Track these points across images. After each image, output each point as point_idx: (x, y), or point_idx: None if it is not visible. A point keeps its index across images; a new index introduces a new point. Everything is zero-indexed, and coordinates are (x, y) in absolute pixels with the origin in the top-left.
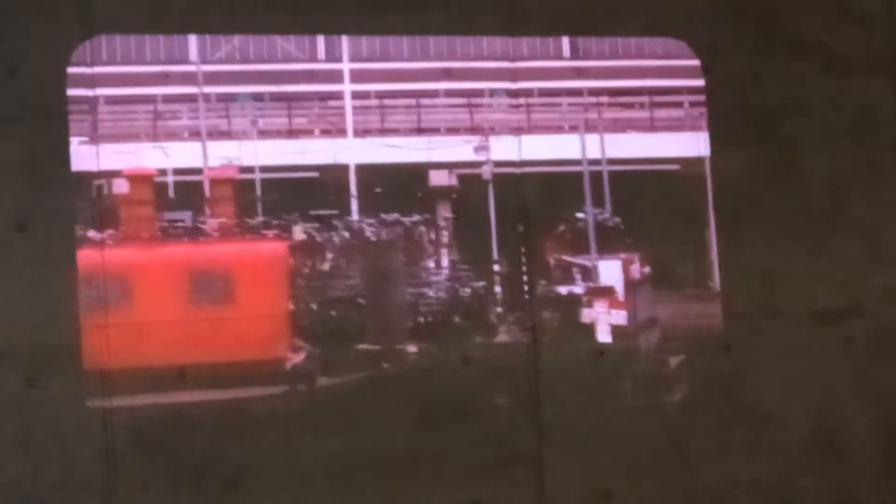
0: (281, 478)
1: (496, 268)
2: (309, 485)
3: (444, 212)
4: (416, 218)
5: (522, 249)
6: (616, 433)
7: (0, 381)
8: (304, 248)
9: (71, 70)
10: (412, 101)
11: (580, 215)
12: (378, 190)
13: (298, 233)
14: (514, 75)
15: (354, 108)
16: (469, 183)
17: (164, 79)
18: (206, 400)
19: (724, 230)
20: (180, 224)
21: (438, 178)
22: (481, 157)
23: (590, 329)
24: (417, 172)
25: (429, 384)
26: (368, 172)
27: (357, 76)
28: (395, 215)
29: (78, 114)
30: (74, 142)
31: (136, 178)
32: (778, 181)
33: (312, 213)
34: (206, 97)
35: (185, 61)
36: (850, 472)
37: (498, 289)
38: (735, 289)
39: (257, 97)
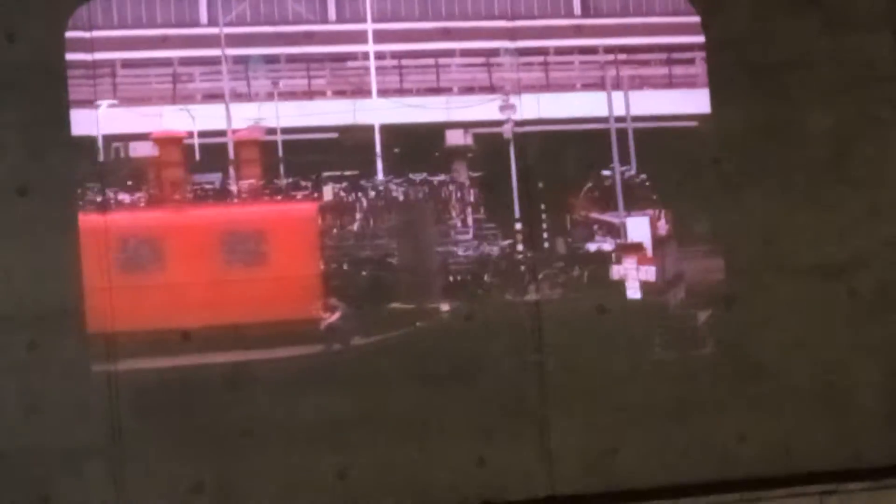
0: (310, 434)
1: (518, 226)
2: (336, 441)
3: (460, 171)
4: (442, 178)
5: (542, 206)
6: (625, 389)
7: (4, 344)
8: (334, 209)
9: (70, 35)
10: (429, 62)
11: (606, 173)
12: (396, 150)
13: (328, 193)
14: (512, 34)
15: (363, 68)
16: (485, 143)
17: (163, 42)
18: (242, 360)
19: (726, 186)
20: (210, 186)
21: (454, 138)
22: (505, 117)
23: (620, 285)
24: (436, 132)
25: (463, 342)
26: (385, 133)
27: (365, 37)
28: (424, 175)
29: (98, 77)
30: (103, 105)
31: (166, 141)
32: (779, 137)
33: (334, 174)
34: (218, 60)
35: (195, 24)
36: (854, 423)
37: (520, 247)
38: (737, 244)
39: (271, 59)
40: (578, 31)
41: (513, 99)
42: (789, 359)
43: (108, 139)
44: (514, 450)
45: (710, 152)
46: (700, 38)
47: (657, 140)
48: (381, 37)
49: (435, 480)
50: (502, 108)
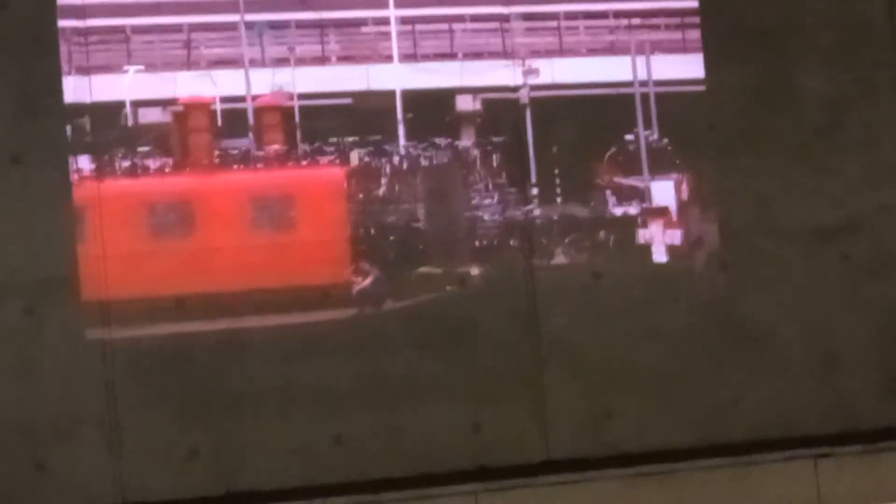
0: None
1: (534, 191)
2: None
3: (471, 136)
4: (465, 142)
5: (564, 171)
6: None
7: None
8: (360, 174)
9: (61, 1)
10: (443, 27)
11: (629, 137)
12: (409, 115)
13: (354, 159)
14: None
15: (381, 33)
16: (502, 108)
17: (156, 9)
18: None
19: (720, 150)
20: (236, 151)
21: (464, 104)
22: (529, 81)
23: (646, 249)
24: (447, 97)
25: (494, 305)
26: (395, 99)
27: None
28: (448, 140)
29: (113, 43)
30: (131, 70)
31: (193, 107)
32: (773, 101)
33: (357, 139)
34: (228, 26)
35: None
36: (848, 388)
37: (538, 212)
38: (731, 208)
39: (277, 25)
40: None
41: (533, 63)
42: (783, 323)
43: (114, 106)
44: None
45: (706, 117)
46: (680, 3)
47: (671, 105)
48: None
49: None
50: (526, 73)
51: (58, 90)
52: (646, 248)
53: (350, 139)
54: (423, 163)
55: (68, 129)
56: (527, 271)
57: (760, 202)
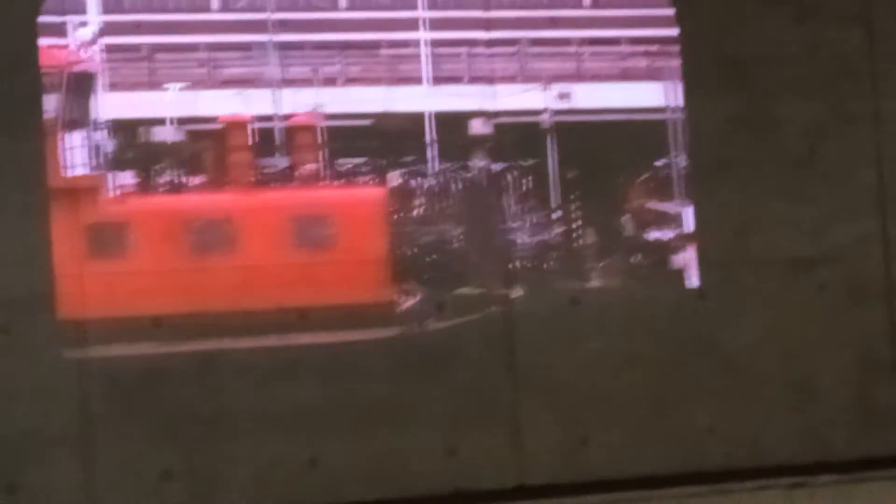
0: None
1: (556, 215)
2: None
3: (481, 160)
4: (498, 165)
5: (572, 196)
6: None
7: None
8: (398, 194)
9: (42, 19)
10: (466, 50)
11: (660, 163)
12: (437, 137)
13: (393, 179)
14: (487, 25)
15: (402, 56)
16: (527, 132)
17: (136, 28)
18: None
19: (699, 179)
20: (273, 170)
21: (476, 127)
22: (563, 105)
23: (679, 274)
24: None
25: (540, 326)
26: (412, 121)
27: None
28: (483, 163)
29: (138, 62)
30: (175, 87)
31: (233, 125)
32: (752, 130)
33: (395, 160)
34: (229, 45)
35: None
36: (823, 417)
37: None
38: (710, 236)
39: (286, 46)
40: (553, 24)
41: (564, 87)
42: (759, 351)
43: (128, 124)
44: None
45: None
46: (661, 32)
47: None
48: (410, 25)
49: None
50: (561, 97)
51: (37, 107)
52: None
53: (384, 160)
54: (456, 184)
55: (70, 141)
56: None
57: (739, 231)
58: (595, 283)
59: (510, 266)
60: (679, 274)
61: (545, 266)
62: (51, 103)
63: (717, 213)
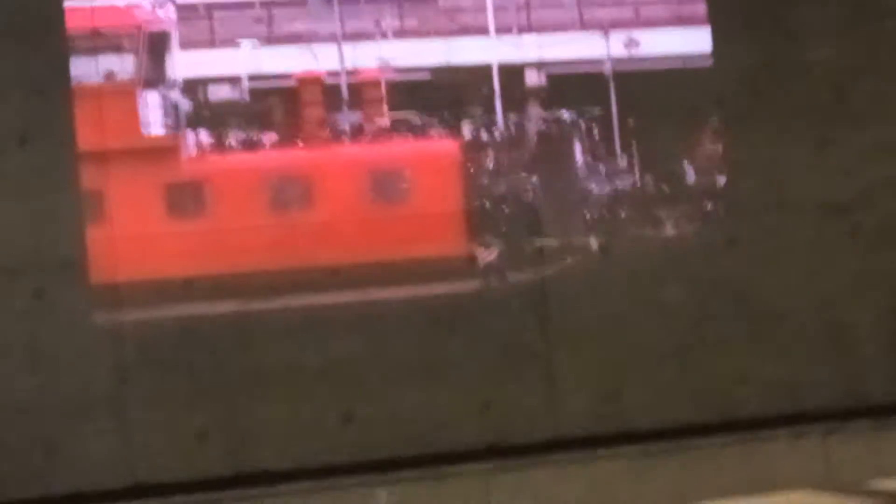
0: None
1: (624, 163)
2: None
3: (537, 111)
4: (566, 115)
5: (639, 144)
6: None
7: (8, 295)
8: (471, 147)
9: None
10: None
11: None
12: (485, 90)
13: (464, 132)
14: None
15: (457, 7)
16: (595, 81)
17: None
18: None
19: (729, 124)
20: (345, 125)
21: (531, 78)
22: (630, 53)
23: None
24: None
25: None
26: (469, 74)
27: None
28: (559, 113)
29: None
30: (247, 45)
31: (306, 81)
32: (782, 74)
33: (464, 112)
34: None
35: None
36: (858, 363)
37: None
38: (740, 182)
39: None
40: None
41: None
42: (792, 298)
43: (200, 82)
44: None
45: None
46: None
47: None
48: None
49: None
50: (627, 45)
51: (65, 70)
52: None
53: (450, 113)
54: (525, 136)
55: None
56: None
57: (769, 176)
58: (670, 230)
59: (587, 216)
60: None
61: (622, 215)
62: (129, 64)
63: (746, 158)
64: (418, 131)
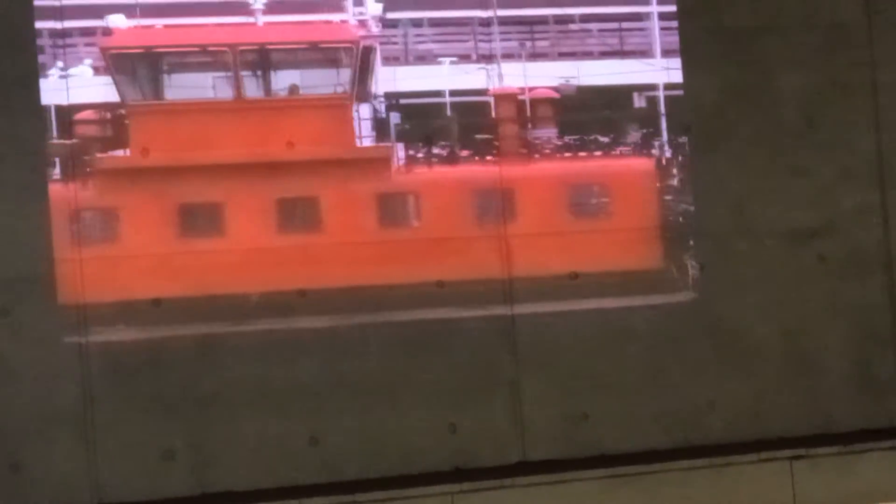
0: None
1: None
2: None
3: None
4: None
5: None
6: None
7: None
8: (659, 164)
9: (38, 3)
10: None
11: None
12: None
13: (652, 150)
14: None
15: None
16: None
17: (132, 9)
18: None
19: (697, 151)
20: (538, 140)
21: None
22: None
23: None
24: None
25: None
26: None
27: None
28: None
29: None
30: (379, 64)
31: (502, 97)
32: (750, 101)
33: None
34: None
35: None
36: (823, 388)
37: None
38: (708, 209)
39: (416, 23)
40: None
41: None
42: (759, 324)
43: (400, 96)
44: None
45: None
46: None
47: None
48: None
49: None
50: None
51: (34, 87)
52: None
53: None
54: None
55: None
56: None
57: (737, 203)
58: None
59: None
60: None
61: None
62: (345, 77)
63: (715, 185)
64: (605, 148)
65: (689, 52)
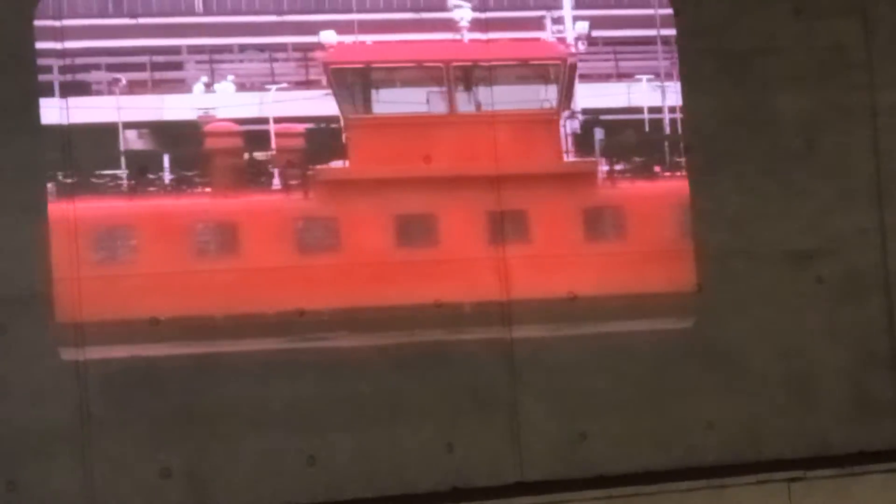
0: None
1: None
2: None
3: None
4: None
5: None
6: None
7: None
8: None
9: (38, 23)
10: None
11: None
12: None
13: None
14: None
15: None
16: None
17: (133, 30)
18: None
19: (696, 172)
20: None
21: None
22: None
23: None
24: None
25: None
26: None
27: None
28: None
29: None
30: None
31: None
32: (749, 123)
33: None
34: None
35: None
36: (820, 411)
37: None
38: (707, 230)
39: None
40: None
41: None
42: (757, 345)
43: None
44: None
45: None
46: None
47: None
48: None
49: None
50: None
51: (33, 107)
52: None
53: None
54: None
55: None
56: None
57: (736, 224)
58: None
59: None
60: None
61: None
62: (552, 93)
63: (714, 206)
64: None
65: (687, 74)
